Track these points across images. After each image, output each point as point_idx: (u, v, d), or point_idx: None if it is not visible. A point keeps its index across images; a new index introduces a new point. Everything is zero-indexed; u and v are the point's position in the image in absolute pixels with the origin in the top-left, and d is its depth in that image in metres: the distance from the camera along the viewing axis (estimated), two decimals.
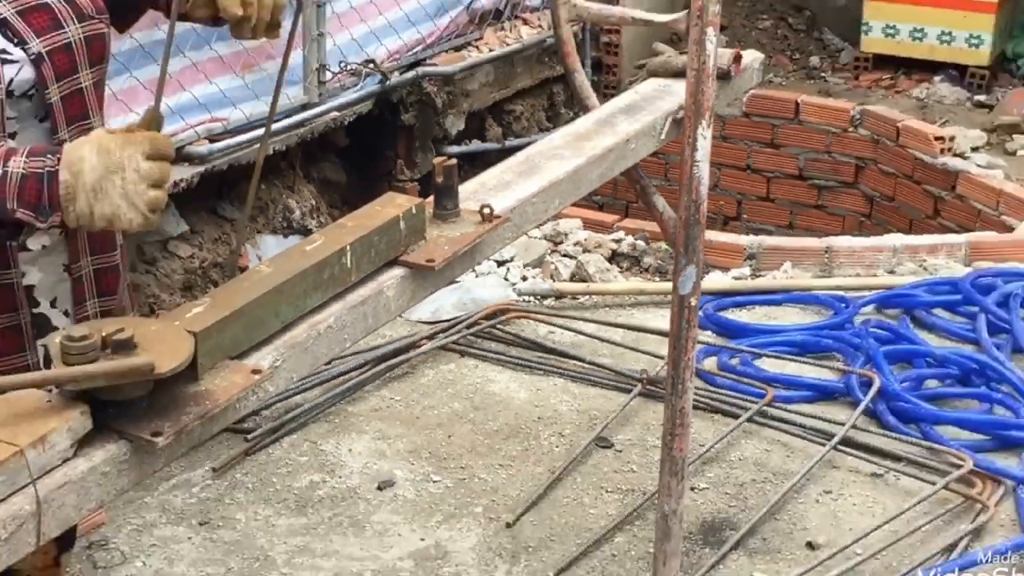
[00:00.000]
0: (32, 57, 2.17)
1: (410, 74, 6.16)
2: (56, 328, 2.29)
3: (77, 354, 1.67)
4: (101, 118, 2.35)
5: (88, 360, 1.67)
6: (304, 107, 5.55)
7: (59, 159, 1.97)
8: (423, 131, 6.31)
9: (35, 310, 2.32)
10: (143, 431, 1.69)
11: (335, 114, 5.68)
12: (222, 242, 5.33)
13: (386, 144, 6.27)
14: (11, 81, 2.15)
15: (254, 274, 1.97)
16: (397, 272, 2.17)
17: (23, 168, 1.97)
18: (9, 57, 2.16)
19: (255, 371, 1.83)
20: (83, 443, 1.67)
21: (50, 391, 1.69)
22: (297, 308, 1.98)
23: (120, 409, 1.71)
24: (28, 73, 2.17)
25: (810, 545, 3.68)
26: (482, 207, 2.33)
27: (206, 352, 1.77)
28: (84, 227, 2.02)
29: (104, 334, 1.69)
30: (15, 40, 2.17)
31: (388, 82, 5.96)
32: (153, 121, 2.06)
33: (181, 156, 4.81)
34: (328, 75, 5.70)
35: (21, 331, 2.30)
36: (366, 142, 6.16)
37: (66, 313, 2.35)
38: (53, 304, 2.34)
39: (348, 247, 2.05)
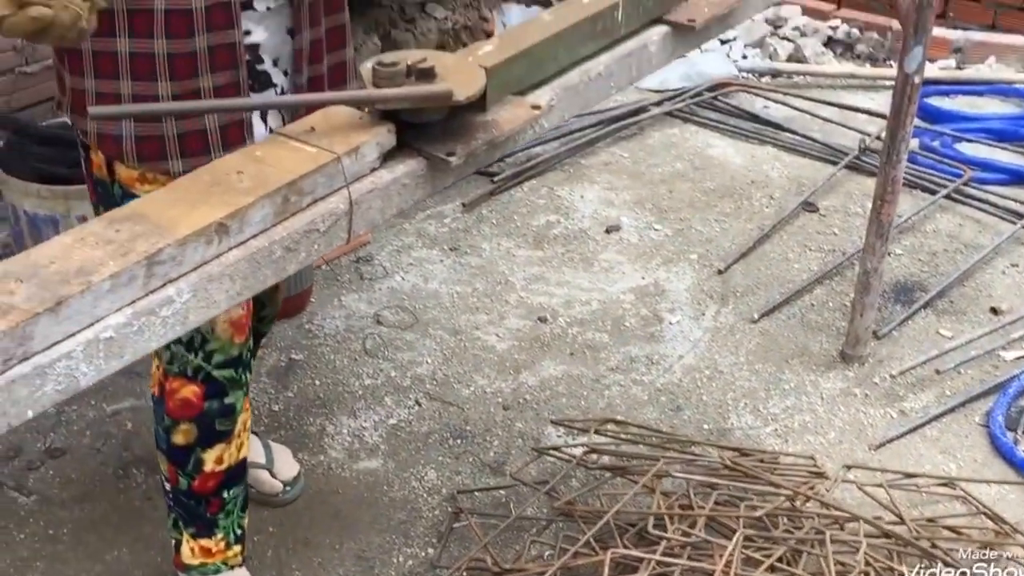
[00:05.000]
0: None
1: None
2: (275, 85, 2.11)
3: (386, 78, 1.68)
4: None
5: (395, 84, 1.68)
6: None
7: None
8: None
9: (258, 66, 2.09)
10: (439, 151, 1.71)
11: None
12: (472, 7, 5.29)
13: None
14: None
15: (537, 22, 1.95)
16: (661, 29, 2.13)
17: None
18: None
19: (535, 107, 1.83)
20: (387, 157, 1.70)
21: (362, 110, 1.72)
22: (572, 55, 1.96)
23: (419, 130, 1.73)
24: None
25: (994, 310, 3.59)
26: None
27: (494, 86, 1.77)
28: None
29: (409, 63, 1.70)
30: None
31: None
32: None
33: None
34: None
35: (238, 87, 2.04)
36: None
37: (285, 73, 2.12)
38: (275, 64, 2.11)
39: (620, 2, 2.01)
